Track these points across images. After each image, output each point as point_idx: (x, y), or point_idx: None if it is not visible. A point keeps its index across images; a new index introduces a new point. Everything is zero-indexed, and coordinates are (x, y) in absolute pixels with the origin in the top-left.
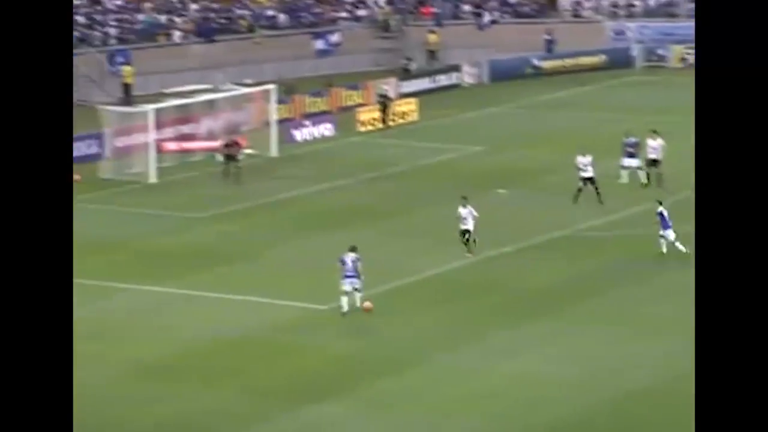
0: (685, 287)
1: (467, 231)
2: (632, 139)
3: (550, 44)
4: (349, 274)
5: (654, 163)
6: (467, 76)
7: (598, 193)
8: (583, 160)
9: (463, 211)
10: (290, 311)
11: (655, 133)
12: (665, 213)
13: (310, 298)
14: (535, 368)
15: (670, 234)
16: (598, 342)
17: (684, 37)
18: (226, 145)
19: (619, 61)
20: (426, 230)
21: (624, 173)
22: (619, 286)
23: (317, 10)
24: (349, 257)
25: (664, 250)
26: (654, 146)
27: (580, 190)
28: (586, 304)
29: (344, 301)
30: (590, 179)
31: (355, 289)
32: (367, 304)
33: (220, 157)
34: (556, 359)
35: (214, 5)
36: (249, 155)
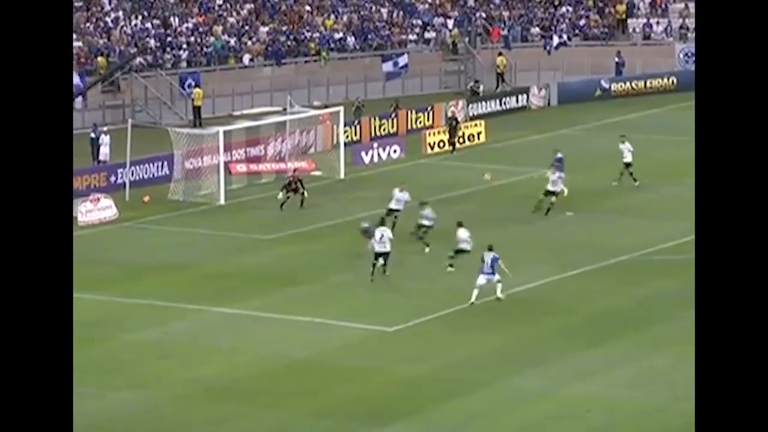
0: None
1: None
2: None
3: (619, 66)
4: (486, 270)
5: (627, 166)
6: (535, 98)
7: (548, 209)
8: (553, 176)
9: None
10: (356, 333)
11: (623, 137)
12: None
13: (376, 320)
14: (603, 392)
15: (493, 280)
16: (666, 366)
17: None
18: (287, 184)
19: (690, 83)
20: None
21: None
22: (686, 310)
23: (386, 32)
24: (488, 256)
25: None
26: (624, 150)
27: (552, 204)
28: (654, 328)
29: (475, 293)
30: (553, 193)
31: (494, 282)
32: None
33: (280, 195)
34: (624, 383)
35: (284, 28)
36: (317, 177)
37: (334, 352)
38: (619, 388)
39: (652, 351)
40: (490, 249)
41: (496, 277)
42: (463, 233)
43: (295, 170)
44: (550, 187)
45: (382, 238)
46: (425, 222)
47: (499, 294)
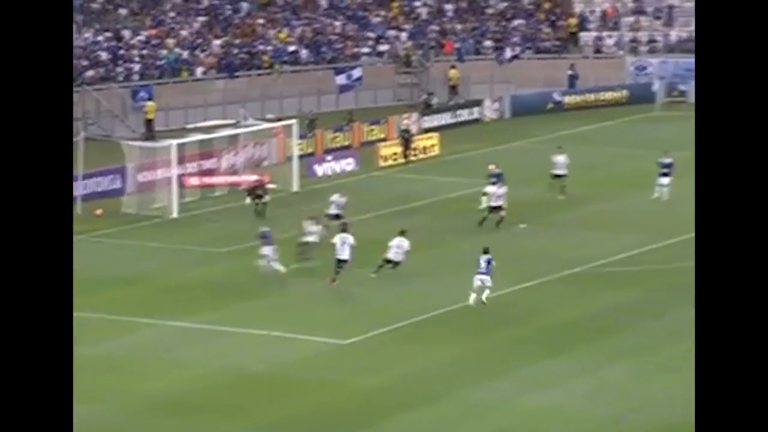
0: None
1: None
2: (668, 160)
3: (572, 79)
4: (481, 271)
5: (558, 177)
6: (489, 111)
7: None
8: (493, 189)
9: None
10: (312, 346)
11: (560, 148)
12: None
13: (331, 333)
14: (561, 403)
15: (486, 281)
16: (623, 377)
17: None
18: (253, 188)
19: (641, 96)
20: (448, 264)
21: (658, 190)
22: (642, 321)
23: (339, 45)
24: (483, 258)
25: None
26: (559, 161)
27: (484, 218)
28: (611, 339)
29: (472, 297)
30: (497, 208)
31: (486, 286)
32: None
33: (248, 199)
34: (582, 395)
35: (237, 41)
36: (271, 190)
37: (289, 365)
38: (573, 400)
39: (606, 363)
40: (486, 252)
41: (489, 280)
42: (398, 242)
43: (262, 175)
44: (494, 203)
45: (344, 245)
46: (309, 239)
47: (483, 298)
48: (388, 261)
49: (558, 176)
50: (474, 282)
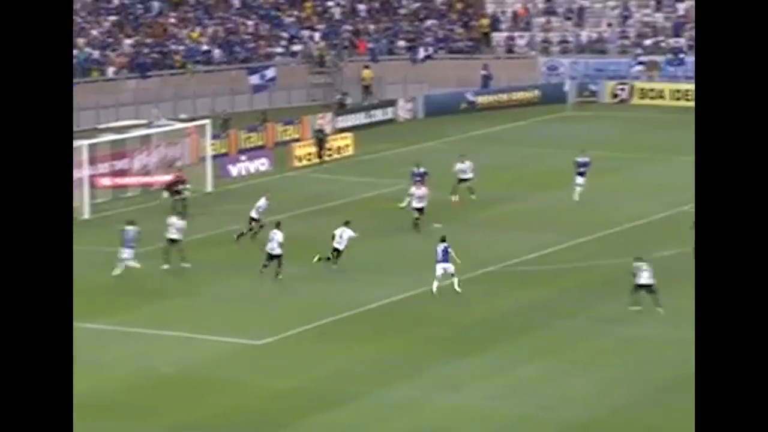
0: (619, 319)
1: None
2: (584, 159)
3: (485, 79)
4: (440, 259)
5: (463, 181)
6: (402, 111)
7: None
8: (418, 192)
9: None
10: (226, 347)
11: (463, 156)
12: (441, 249)
13: (246, 334)
14: (474, 403)
15: (449, 268)
16: (537, 376)
17: (616, 72)
18: (171, 184)
19: (553, 96)
20: (363, 264)
21: (577, 190)
22: (555, 319)
23: (252, 45)
24: (440, 247)
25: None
26: (464, 168)
27: (417, 219)
28: (524, 338)
29: (435, 285)
30: (420, 209)
31: (449, 273)
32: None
33: (165, 194)
34: (496, 394)
35: (148, 40)
36: (186, 194)
37: (202, 367)
38: (488, 399)
39: (520, 361)
40: (443, 240)
41: (451, 267)
42: (343, 232)
43: (179, 170)
44: (416, 204)
45: (273, 240)
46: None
47: (456, 287)
48: (273, 257)
49: (463, 180)
50: (437, 270)
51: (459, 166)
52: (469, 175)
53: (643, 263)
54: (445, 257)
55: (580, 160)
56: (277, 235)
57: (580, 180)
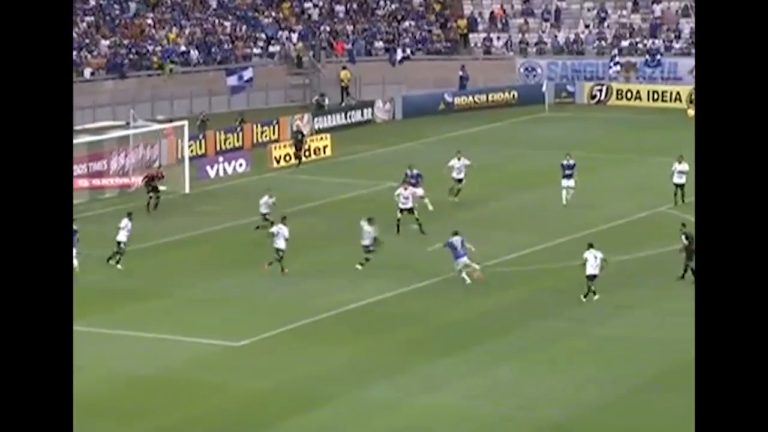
0: (595, 319)
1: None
2: (570, 162)
3: (463, 81)
4: (461, 254)
5: (460, 181)
6: (380, 112)
7: (419, 224)
8: (404, 192)
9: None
10: (204, 349)
11: (459, 152)
12: (455, 242)
13: (224, 336)
14: (452, 403)
15: (467, 261)
16: (514, 376)
17: (592, 73)
18: (149, 178)
19: (530, 97)
20: (340, 265)
21: (564, 194)
22: (532, 320)
23: (229, 46)
24: (456, 240)
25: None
26: (457, 166)
27: (399, 220)
28: (502, 338)
29: (464, 274)
30: (410, 210)
31: (467, 264)
32: (478, 274)
33: (140, 181)
34: (473, 394)
35: (125, 41)
36: (162, 192)
37: (180, 369)
38: (465, 399)
39: (498, 362)
40: (456, 234)
41: (468, 261)
42: (368, 227)
43: (159, 166)
44: (402, 205)
45: (278, 234)
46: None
47: (476, 272)
48: (278, 251)
49: (459, 180)
50: (457, 266)
51: (453, 162)
52: (461, 176)
53: (594, 252)
54: (464, 250)
55: (566, 162)
56: (283, 230)
57: (566, 183)
